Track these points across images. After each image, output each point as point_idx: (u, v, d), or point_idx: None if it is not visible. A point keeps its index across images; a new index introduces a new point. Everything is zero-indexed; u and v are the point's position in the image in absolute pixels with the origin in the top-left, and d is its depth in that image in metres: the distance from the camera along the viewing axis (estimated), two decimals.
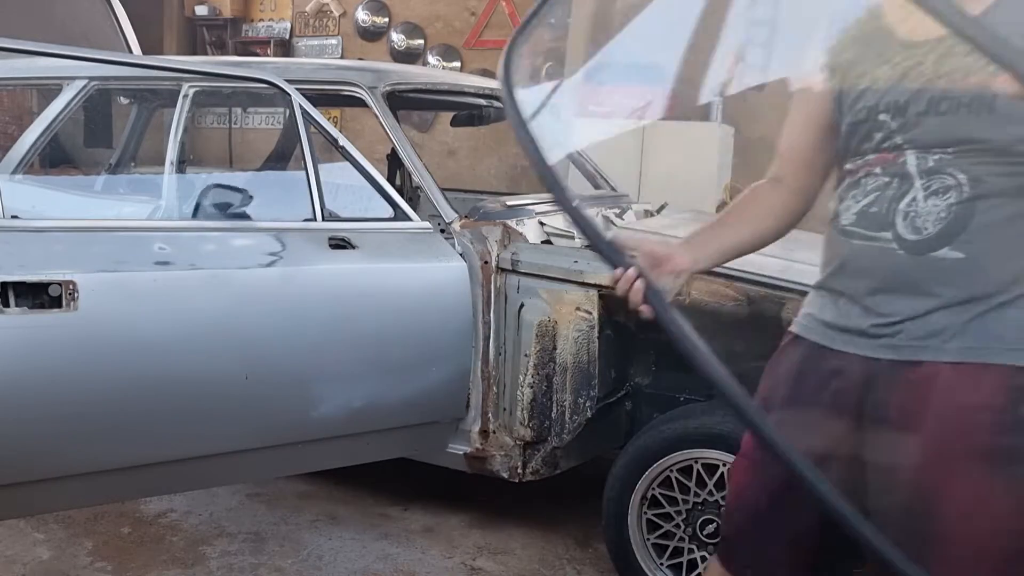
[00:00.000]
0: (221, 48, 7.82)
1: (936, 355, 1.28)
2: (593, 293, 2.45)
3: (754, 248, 1.55)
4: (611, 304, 2.45)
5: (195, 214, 2.51)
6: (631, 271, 1.30)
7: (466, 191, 3.75)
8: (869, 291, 1.34)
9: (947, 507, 1.26)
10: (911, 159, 1.29)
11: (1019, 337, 1.25)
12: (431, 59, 7.29)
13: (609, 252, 1.34)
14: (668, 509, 2.45)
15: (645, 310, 1.30)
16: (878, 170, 1.33)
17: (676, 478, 2.42)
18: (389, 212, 2.55)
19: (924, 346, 1.29)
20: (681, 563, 2.45)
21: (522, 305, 2.54)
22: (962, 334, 1.26)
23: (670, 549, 2.47)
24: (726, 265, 1.97)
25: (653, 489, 2.46)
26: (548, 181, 1.31)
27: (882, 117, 1.32)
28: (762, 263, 2.15)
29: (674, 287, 1.39)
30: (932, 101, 1.27)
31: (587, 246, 1.38)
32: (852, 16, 1.42)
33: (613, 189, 3.51)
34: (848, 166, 1.40)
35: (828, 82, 1.43)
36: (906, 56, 1.31)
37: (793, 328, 1.50)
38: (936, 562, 1.25)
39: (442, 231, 2.62)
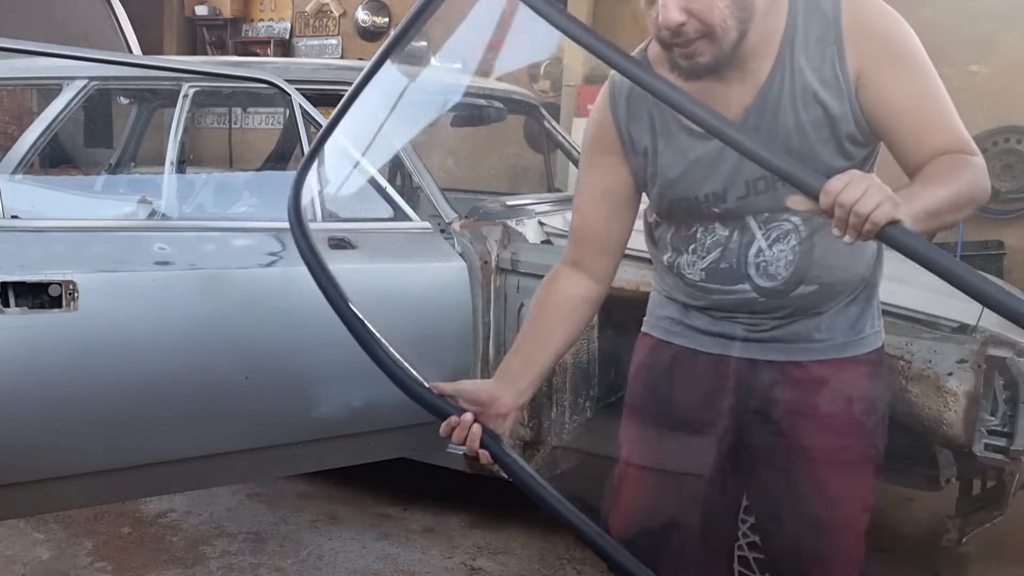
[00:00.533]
0: (221, 48, 7.82)
1: (807, 355, 1.38)
2: None
3: (568, 350, 1.54)
4: (610, 304, 2.45)
5: (195, 214, 2.50)
6: (467, 417, 1.29)
7: (466, 191, 3.75)
8: (737, 318, 1.38)
9: (834, 485, 1.38)
10: (747, 217, 1.33)
11: (869, 325, 1.40)
12: (432, 60, 7.28)
13: (435, 402, 1.32)
14: None
15: (484, 456, 1.30)
16: (716, 225, 1.35)
17: None
18: (389, 212, 2.55)
19: (796, 347, 1.38)
20: None
21: (522, 305, 2.54)
22: (829, 333, 1.37)
23: None
24: None
25: None
26: (357, 332, 1.33)
27: (704, 206, 1.33)
28: None
29: (505, 430, 1.35)
30: (748, 185, 1.30)
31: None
32: (645, 103, 1.34)
33: None
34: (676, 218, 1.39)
35: (626, 159, 1.38)
36: (707, 147, 1.29)
37: (654, 333, 1.49)
38: (830, 542, 1.40)
39: (442, 231, 2.62)
